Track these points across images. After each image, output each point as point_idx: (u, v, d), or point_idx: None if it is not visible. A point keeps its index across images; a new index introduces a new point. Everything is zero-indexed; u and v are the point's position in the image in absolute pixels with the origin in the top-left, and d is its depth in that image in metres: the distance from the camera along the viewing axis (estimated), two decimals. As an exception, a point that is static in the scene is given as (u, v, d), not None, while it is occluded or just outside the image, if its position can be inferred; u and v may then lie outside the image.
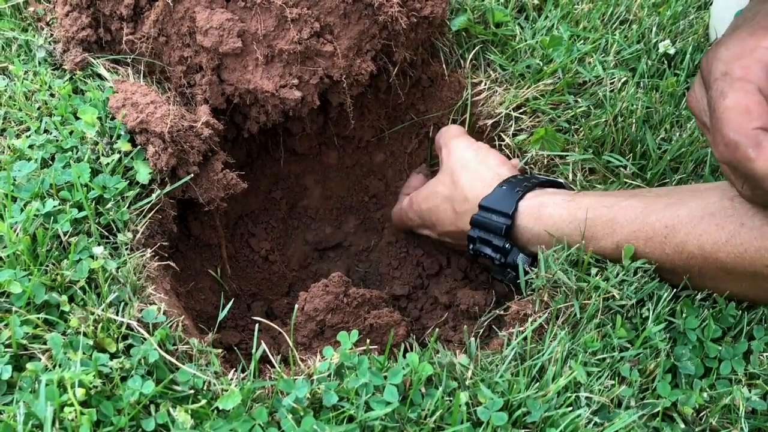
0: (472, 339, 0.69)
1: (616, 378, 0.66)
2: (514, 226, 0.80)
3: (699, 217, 0.67)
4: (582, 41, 1.01)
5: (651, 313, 0.69)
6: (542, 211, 0.78)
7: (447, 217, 0.89)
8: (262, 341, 0.64)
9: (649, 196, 0.74)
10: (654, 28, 1.02)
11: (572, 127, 0.91)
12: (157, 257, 0.77)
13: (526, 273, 0.76)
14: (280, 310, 0.97)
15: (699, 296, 0.72)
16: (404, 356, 0.66)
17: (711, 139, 0.60)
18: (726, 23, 0.97)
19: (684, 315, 0.70)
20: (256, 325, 0.64)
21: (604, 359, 0.67)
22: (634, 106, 0.90)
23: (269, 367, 0.70)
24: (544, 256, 0.74)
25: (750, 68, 0.58)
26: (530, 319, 0.72)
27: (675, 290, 0.72)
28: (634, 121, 0.89)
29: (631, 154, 0.89)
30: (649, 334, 0.67)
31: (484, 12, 1.05)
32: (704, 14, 1.09)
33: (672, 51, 0.99)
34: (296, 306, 0.71)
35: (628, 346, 0.68)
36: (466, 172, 0.88)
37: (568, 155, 0.89)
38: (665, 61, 0.99)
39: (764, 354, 0.70)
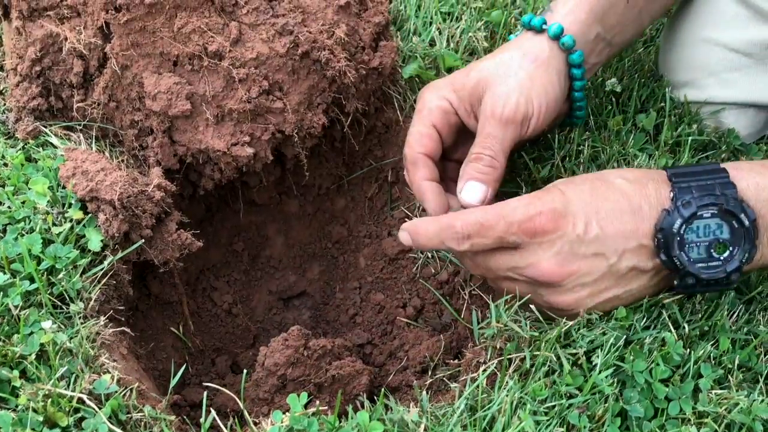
0: (424, 393, 0.70)
1: (565, 425, 0.67)
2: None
3: None
4: (531, 82, 1.02)
5: (600, 359, 0.70)
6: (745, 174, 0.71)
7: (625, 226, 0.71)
8: (211, 410, 0.65)
9: None
10: (600, 66, 1.04)
11: (524, 171, 0.93)
12: (112, 323, 0.77)
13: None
14: (245, 363, 0.98)
15: (648, 340, 0.73)
16: (355, 413, 0.67)
17: None
18: (672, 58, 1.00)
19: (632, 358, 0.71)
20: (205, 392, 0.64)
21: (553, 407, 0.68)
22: (581, 147, 0.91)
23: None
24: (495, 305, 0.75)
25: (432, 110, 0.83)
26: (482, 368, 0.73)
27: (626, 336, 0.73)
28: (582, 161, 0.91)
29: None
30: (596, 380, 0.68)
31: (435, 58, 1.08)
32: (651, 49, 1.11)
33: (618, 89, 1.01)
34: (244, 372, 0.71)
35: (577, 392, 0.69)
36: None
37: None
38: (612, 99, 1.01)
39: (712, 391, 0.71)
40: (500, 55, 0.84)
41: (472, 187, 0.79)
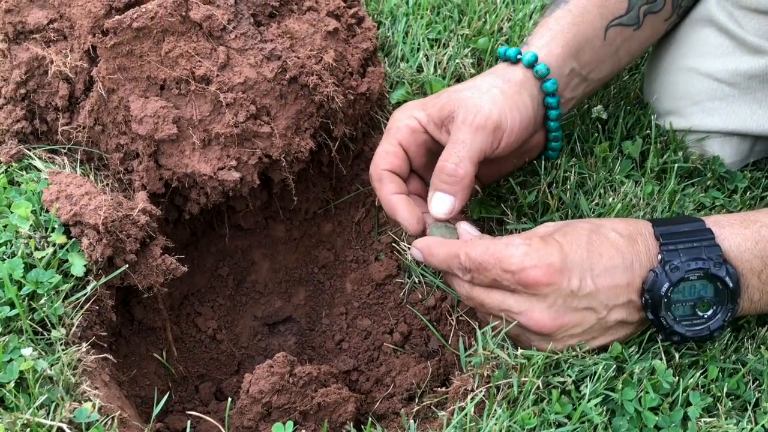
0: (411, 421, 0.69)
1: (554, 455, 0.67)
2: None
3: None
4: (518, 109, 1.03)
5: (589, 387, 0.70)
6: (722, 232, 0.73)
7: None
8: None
9: None
10: (577, 102, 1.05)
11: (510, 196, 0.93)
12: (94, 349, 0.76)
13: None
14: (229, 390, 0.96)
15: (637, 369, 0.72)
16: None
17: None
18: (657, 86, 1.01)
19: (621, 387, 0.71)
20: (189, 421, 0.63)
21: (542, 436, 0.67)
22: (567, 174, 0.92)
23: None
24: (481, 332, 0.75)
25: (400, 128, 0.84)
26: (470, 396, 0.72)
27: (616, 363, 0.72)
28: (568, 187, 0.91)
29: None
30: (585, 409, 0.68)
31: (422, 84, 1.08)
32: (636, 77, 1.13)
33: (605, 116, 1.02)
34: (229, 400, 0.70)
35: (566, 421, 0.68)
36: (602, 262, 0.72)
37: (508, 223, 0.91)
38: (599, 126, 1.02)
39: (701, 420, 0.71)
40: (473, 80, 0.86)
41: (438, 199, 0.80)
